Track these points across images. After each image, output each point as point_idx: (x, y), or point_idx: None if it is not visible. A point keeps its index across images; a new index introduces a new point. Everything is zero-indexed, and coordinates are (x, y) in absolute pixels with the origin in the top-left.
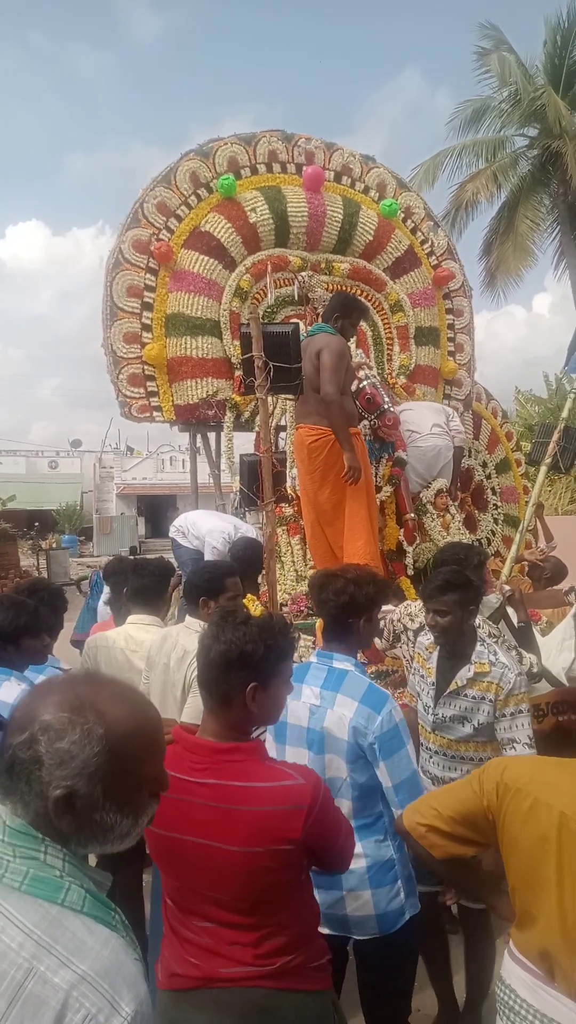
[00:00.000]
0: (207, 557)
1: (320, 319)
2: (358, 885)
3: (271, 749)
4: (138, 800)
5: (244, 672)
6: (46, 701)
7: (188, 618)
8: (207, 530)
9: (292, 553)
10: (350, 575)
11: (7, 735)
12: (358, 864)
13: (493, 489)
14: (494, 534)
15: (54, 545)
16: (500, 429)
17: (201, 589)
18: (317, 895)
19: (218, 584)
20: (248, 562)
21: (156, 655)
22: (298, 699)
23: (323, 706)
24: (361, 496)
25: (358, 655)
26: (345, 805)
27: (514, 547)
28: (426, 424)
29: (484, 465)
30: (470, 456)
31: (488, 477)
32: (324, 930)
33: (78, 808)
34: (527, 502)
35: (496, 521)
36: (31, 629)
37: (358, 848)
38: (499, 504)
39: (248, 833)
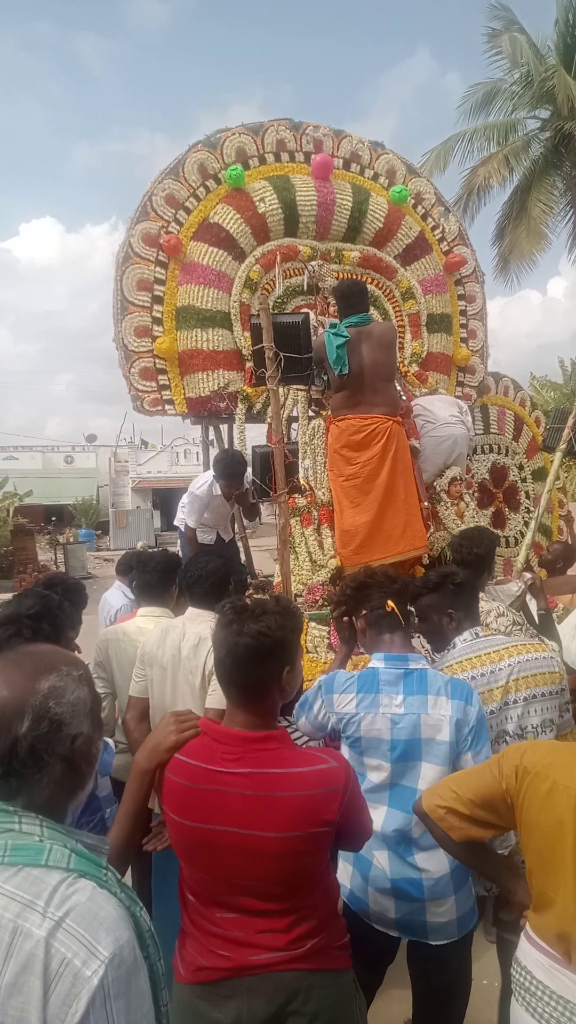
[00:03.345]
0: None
1: (357, 309)
2: (443, 892)
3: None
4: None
5: (278, 659)
6: (15, 681)
7: (191, 609)
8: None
9: (306, 543)
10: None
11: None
12: (442, 871)
13: (527, 493)
14: (522, 535)
15: (71, 539)
16: (541, 438)
17: (223, 577)
18: (391, 905)
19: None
20: (228, 465)
21: (156, 650)
22: (376, 710)
23: (411, 713)
24: (413, 479)
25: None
26: None
27: (529, 533)
28: (442, 414)
29: (520, 468)
30: (506, 455)
31: (524, 480)
32: (392, 933)
33: (85, 751)
34: (560, 515)
35: (526, 524)
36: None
37: (443, 858)
38: (531, 508)
39: (287, 818)
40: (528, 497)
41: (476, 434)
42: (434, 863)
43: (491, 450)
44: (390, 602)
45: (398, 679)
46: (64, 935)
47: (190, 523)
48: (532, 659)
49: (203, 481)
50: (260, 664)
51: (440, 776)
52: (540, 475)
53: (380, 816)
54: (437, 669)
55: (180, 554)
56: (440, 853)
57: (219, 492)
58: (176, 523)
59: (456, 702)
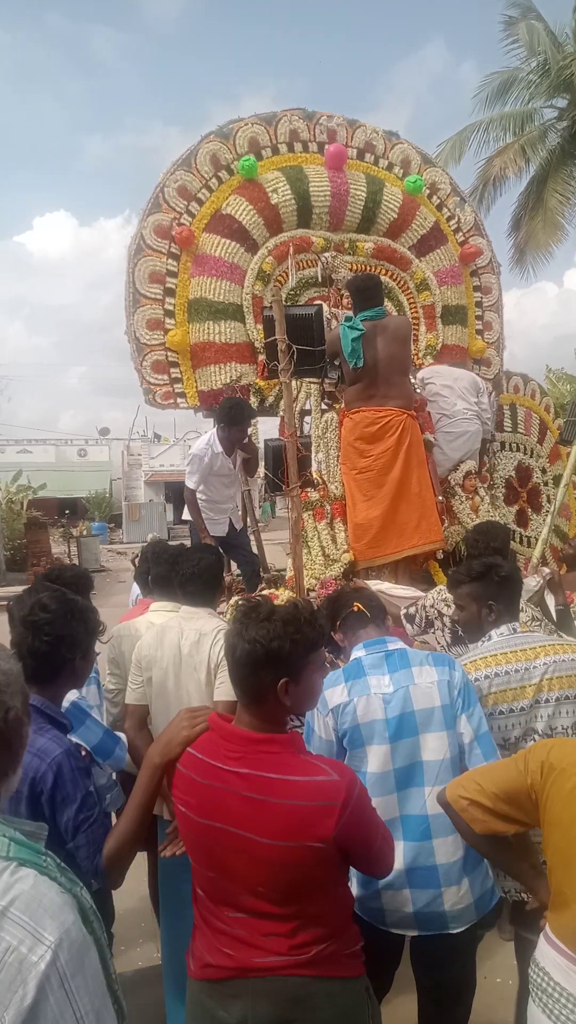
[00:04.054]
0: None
1: (372, 303)
2: (457, 878)
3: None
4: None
5: (272, 669)
6: None
7: (184, 608)
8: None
9: (319, 538)
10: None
11: None
12: (456, 856)
13: (548, 497)
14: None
15: (84, 532)
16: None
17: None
18: (409, 896)
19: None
20: (217, 413)
21: (154, 652)
22: (367, 694)
23: (400, 688)
24: (428, 473)
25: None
26: None
27: (545, 528)
28: (459, 406)
29: (543, 471)
30: (531, 456)
31: (546, 484)
32: (411, 932)
33: (17, 727)
34: None
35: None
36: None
37: (458, 838)
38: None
39: (280, 827)
40: (549, 501)
41: (504, 431)
42: (448, 843)
43: (517, 449)
44: (357, 604)
45: (381, 661)
46: (9, 924)
47: (190, 484)
48: (568, 660)
49: (203, 440)
50: (254, 671)
51: (444, 743)
52: (560, 481)
53: (392, 802)
54: (470, 659)
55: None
56: (454, 837)
57: (220, 449)
58: (185, 516)
59: (440, 668)
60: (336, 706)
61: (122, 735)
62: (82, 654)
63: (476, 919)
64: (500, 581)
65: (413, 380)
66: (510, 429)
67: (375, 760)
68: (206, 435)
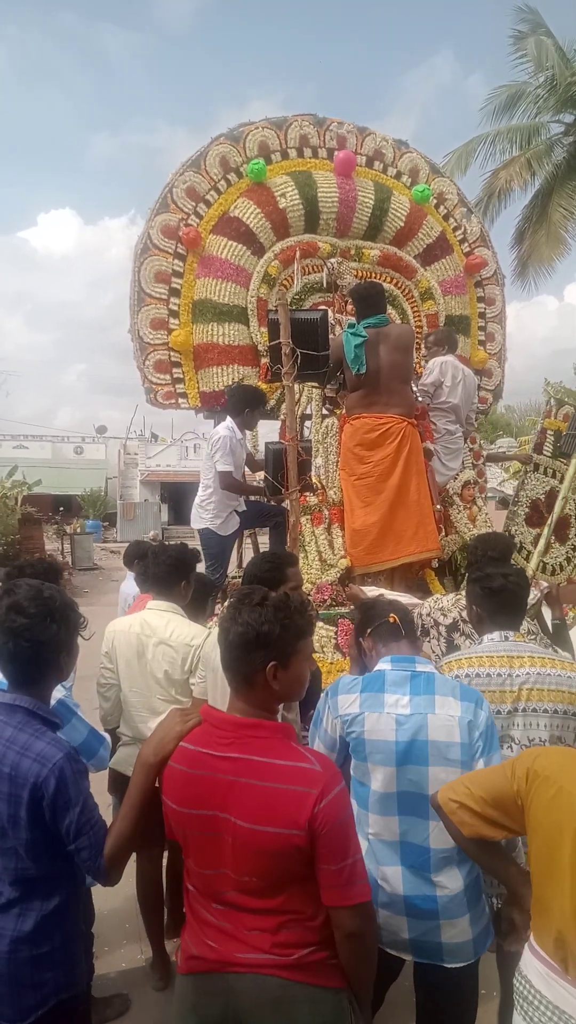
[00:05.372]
0: (213, 461)
1: (375, 310)
2: (457, 911)
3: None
4: None
5: (262, 652)
6: None
7: None
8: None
9: (316, 542)
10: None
11: None
12: (457, 888)
13: None
14: (562, 568)
15: (78, 530)
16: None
17: (263, 580)
18: (405, 923)
19: (280, 574)
20: (241, 398)
21: (211, 652)
22: (380, 710)
23: (418, 713)
24: (427, 481)
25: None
26: None
27: (542, 541)
28: (457, 426)
29: None
30: (560, 481)
31: None
32: (406, 956)
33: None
34: None
35: (570, 560)
36: None
37: (458, 874)
38: None
39: (257, 809)
40: None
41: (543, 454)
42: (449, 878)
43: (554, 476)
44: (393, 615)
45: (404, 680)
46: None
47: (228, 467)
48: (553, 674)
49: (224, 426)
50: (244, 653)
51: (452, 779)
52: None
53: (393, 826)
54: (454, 658)
55: (200, 553)
56: (455, 868)
57: (240, 435)
58: (194, 524)
59: (466, 704)
60: (346, 715)
61: (107, 735)
62: (66, 651)
63: (473, 959)
64: (484, 592)
65: (414, 387)
66: (550, 455)
67: (379, 779)
68: (224, 423)
